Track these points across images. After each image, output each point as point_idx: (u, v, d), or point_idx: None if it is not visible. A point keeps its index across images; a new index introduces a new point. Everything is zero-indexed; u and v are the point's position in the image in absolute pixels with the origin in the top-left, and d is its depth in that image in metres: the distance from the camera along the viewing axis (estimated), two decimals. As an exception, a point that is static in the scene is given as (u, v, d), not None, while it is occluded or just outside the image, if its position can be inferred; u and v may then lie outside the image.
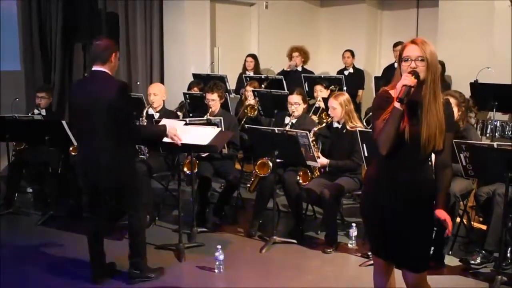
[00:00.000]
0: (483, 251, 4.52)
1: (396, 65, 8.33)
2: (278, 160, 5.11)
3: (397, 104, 2.75)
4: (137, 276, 4.32)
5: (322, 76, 7.80)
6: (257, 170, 5.39)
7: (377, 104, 2.96)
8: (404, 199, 2.90)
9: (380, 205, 2.97)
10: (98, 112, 3.95)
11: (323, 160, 5.10)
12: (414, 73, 2.76)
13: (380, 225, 2.99)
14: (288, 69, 8.57)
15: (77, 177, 4.19)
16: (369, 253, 4.81)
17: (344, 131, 5.19)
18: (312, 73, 8.61)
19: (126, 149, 4.11)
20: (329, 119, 5.31)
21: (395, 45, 8.46)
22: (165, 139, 4.50)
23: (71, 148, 5.84)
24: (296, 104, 5.53)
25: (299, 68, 8.66)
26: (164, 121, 4.89)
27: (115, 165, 4.04)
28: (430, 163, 3.00)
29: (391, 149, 2.83)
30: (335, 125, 5.28)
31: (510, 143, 4.30)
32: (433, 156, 2.99)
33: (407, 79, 2.74)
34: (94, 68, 4.06)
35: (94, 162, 4.05)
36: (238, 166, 6.77)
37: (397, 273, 3.15)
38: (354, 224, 5.13)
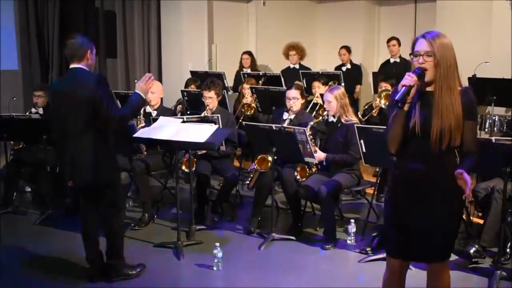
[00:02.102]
0: (476, 246, 4.51)
1: (391, 60, 8.43)
2: (275, 157, 5.11)
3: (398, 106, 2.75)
4: (117, 275, 4.29)
5: (320, 72, 7.79)
6: (257, 165, 5.38)
7: (390, 101, 2.96)
8: (424, 193, 2.86)
9: (402, 202, 2.94)
10: (76, 108, 3.92)
11: (320, 155, 5.09)
12: (419, 70, 2.73)
13: (403, 222, 2.94)
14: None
15: (63, 175, 4.17)
16: (368, 249, 4.82)
17: (339, 125, 5.19)
18: (309, 69, 8.60)
19: (105, 145, 4.06)
20: (325, 113, 5.29)
21: (388, 40, 8.49)
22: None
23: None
24: (294, 98, 5.51)
25: (297, 66, 8.66)
26: (161, 119, 4.89)
27: (94, 162, 3.99)
28: (451, 156, 2.91)
29: (404, 143, 2.83)
30: (331, 119, 5.28)
31: (508, 138, 4.28)
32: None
33: (407, 79, 2.71)
34: (72, 66, 4.03)
35: (74, 159, 4.02)
36: (236, 163, 6.76)
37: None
38: (352, 221, 5.13)
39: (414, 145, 2.83)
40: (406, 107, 2.79)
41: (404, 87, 2.71)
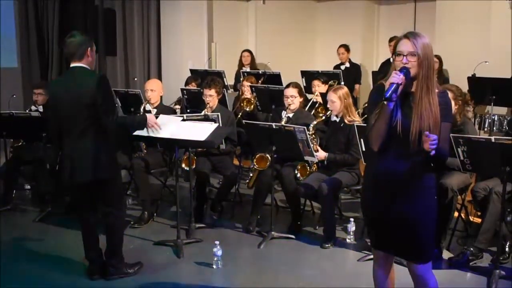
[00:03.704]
0: (471, 249, 4.52)
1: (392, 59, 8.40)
2: (275, 155, 5.11)
3: (385, 103, 2.77)
4: (114, 273, 4.30)
5: (320, 71, 7.78)
6: (255, 164, 5.38)
7: (371, 98, 2.99)
8: (399, 191, 2.90)
9: (378, 198, 2.98)
10: (78, 106, 3.92)
11: (321, 154, 5.10)
12: (405, 69, 2.77)
13: (379, 217, 3.00)
14: None
15: (62, 173, 4.17)
16: (368, 243, 4.83)
17: (342, 124, 5.19)
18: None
19: (106, 143, 4.06)
20: (328, 112, 5.30)
21: (391, 40, 8.46)
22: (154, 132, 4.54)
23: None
24: (292, 97, 5.51)
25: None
26: (161, 117, 4.88)
27: (94, 160, 3.99)
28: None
29: (384, 142, 2.86)
30: (333, 118, 5.28)
31: (508, 137, 4.29)
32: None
33: (396, 77, 2.74)
34: (72, 64, 4.03)
35: (75, 157, 4.02)
36: (236, 161, 6.76)
37: (396, 267, 3.16)
38: (352, 219, 5.13)
39: (395, 144, 2.86)
40: (392, 105, 2.82)
41: (392, 84, 2.74)
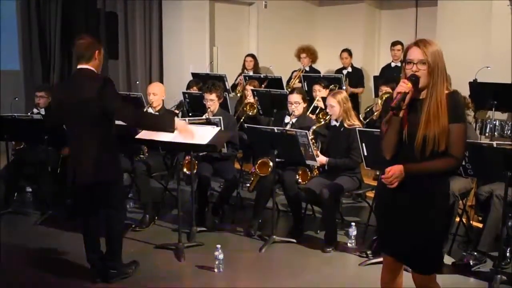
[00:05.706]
0: (475, 253, 4.52)
1: (393, 64, 8.42)
2: (277, 160, 5.12)
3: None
4: (115, 276, 4.31)
5: (322, 76, 7.79)
6: (257, 170, 5.39)
7: (384, 108, 3.01)
8: (407, 200, 2.88)
9: (388, 204, 2.98)
10: (82, 108, 3.93)
11: (322, 159, 5.11)
12: (414, 77, 2.76)
13: (389, 223, 3.00)
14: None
15: (66, 175, 4.18)
16: (369, 252, 4.83)
17: (342, 129, 5.20)
18: (319, 72, 8.57)
19: (110, 146, 4.07)
20: (327, 117, 5.31)
21: (393, 44, 8.47)
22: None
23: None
24: (296, 103, 5.53)
25: (307, 68, 8.65)
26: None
27: (99, 162, 3.99)
28: None
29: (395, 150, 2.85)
30: (333, 123, 5.29)
31: (509, 142, 4.30)
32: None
33: (403, 86, 2.75)
34: (79, 66, 4.05)
35: (78, 160, 4.03)
36: (237, 165, 6.76)
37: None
38: (353, 224, 5.14)
39: (402, 150, 2.85)
40: (401, 114, 2.81)
41: (399, 94, 2.74)
